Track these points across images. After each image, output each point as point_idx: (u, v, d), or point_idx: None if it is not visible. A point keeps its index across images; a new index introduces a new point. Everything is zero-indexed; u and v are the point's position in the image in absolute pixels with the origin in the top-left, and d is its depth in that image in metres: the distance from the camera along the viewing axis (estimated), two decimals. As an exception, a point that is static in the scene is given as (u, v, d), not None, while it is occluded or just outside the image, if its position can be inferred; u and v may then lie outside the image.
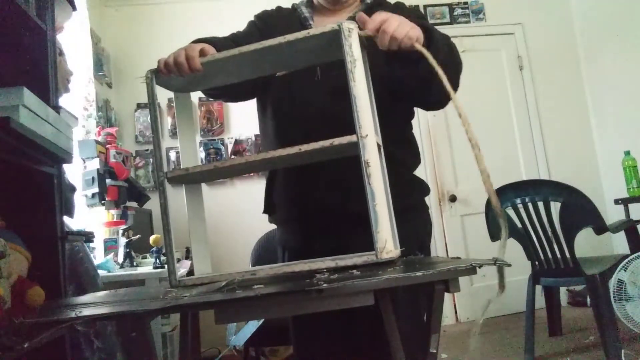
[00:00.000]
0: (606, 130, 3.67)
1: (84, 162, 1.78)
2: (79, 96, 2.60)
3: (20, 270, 0.85)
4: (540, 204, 2.28)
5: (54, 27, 1.10)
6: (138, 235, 2.21)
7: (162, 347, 2.17)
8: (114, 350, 1.42)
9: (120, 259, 2.18)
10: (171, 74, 0.95)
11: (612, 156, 3.41)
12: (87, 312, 0.67)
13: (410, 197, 1.17)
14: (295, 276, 0.84)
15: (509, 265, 0.69)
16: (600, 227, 2.19)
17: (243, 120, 3.39)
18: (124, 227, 2.09)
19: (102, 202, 1.76)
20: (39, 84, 0.99)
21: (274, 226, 1.31)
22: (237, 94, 1.26)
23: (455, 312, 3.45)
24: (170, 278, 0.92)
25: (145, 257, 2.35)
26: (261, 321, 1.99)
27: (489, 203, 2.37)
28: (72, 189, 1.49)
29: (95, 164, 1.74)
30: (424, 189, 1.24)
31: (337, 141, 0.85)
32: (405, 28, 0.90)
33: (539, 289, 2.52)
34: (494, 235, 2.37)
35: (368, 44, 0.93)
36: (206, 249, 1.02)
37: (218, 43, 1.07)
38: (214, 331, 2.69)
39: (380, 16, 0.91)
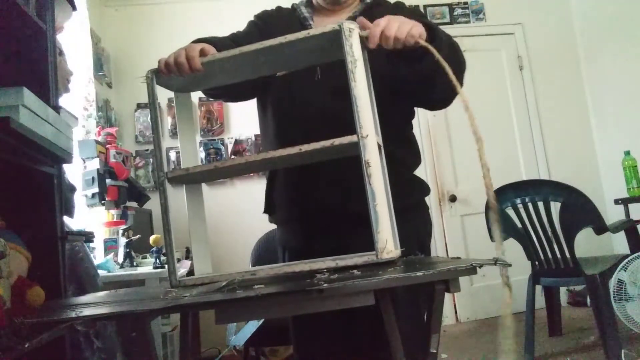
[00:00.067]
0: (606, 130, 3.67)
1: (84, 162, 1.78)
2: (79, 96, 2.60)
3: (20, 270, 0.85)
4: (540, 204, 2.28)
5: (54, 27, 1.09)
6: (138, 235, 2.21)
7: (162, 347, 2.17)
8: (114, 350, 1.42)
9: (120, 259, 2.18)
10: (171, 74, 0.95)
11: (612, 156, 3.41)
12: (87, 312, 0.67)
13: (410, 197, 1.17)
14: (295, 276, 0.84)
15: (510, 265, 0.69)
16: (600, 227, 2.19)
17: (243, 120, 3.39)
18: (124, 227, 2.09)
19: (102, 202, 1.76)
20: (39, 84, 0.99)
21: (274, 226, 1.31)
22: (237, 94, 1.26)
23: (455, 312, 3.44)
24: (171, 278, 0.92)
25: (145, 257, 2.35)
26: (261, 321, 1.99)
27: (489, 203, 2.37)
28: (72, 189, 1.49)
29: (95, 164, 1.74)
30: (424, 188, 1.24)
31: (337, 141, 0.85)
32: (406, 27, 0.90)
33: (539, 289, 2.52)
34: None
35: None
36: (206, 249, 1.02)
37: (218, 43, 1.07)
38: (214, 331, 2.69)
39: (379, 25, 0.91)
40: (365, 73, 0.87)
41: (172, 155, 3.30)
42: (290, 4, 1.31)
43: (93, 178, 1.71)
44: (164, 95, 0.97)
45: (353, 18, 1.18)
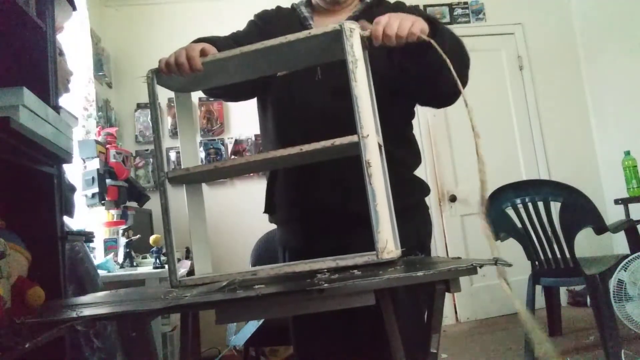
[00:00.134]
0: (606, 130, 3.67)
1: (84, 162, 1.78)
2: (79, 96, 2.60)
3: (20, 270, 0.85)
4: (540, 204, 2.28)
5: (54, 27, 1.09)
6: (138, 235, 2.21)
7: (162, 347, 2.17)
8: (114, 350, 1.42)
9: (120, 259, 2.18)
10: (172, 73, 0.95)
11: (612, 156, 3.41)
12: (88, 312, 0.67)
13: (410, 197, 1.17)
14: (296, 276, 0.84)
15: (510, 265, 0.69)
16: (600, 227, 2.19)
17: (243, 120, 3.39)
18: (124, 227, 2.09)
19: (102, 202, 1.76)
20: (39, 84, 0.99)
21: (274, 226, 1.31)
22: (237, 93, 1.26)
23: (455, 312, 3.45)
24: (171, 278, 0.92)
25: (145, 257, 2.35)
26: (261, 321, 1.99)
27: (488, 203, 2.38)
28: (72, 189, 1.49)
29: (95, 164, 1.74)
30: (424, 188, 1.24)
31: (338, 141, 0.85)
32: (407, 24, 0.90)
33: (539, 289, 2.52)
34: (495, 235, 2.37)
35: (369, 44, 0.93)
36: (207, 249, 1.02)
37: (219, 43, 1.06)
38: (214, 331, 2.68)
39: (380, 22, 0.90)
40: (366, 73, 0.87)
41: (172, 155, 3.30)
42: (290, 3, 1.31)
43: (93, 178, 1.71)
44: (164, 95, 0.97)
45: (353, 18, 1.18)
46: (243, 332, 2.15)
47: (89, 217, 2.06)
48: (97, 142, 1.80)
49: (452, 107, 1.16)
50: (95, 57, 2.88)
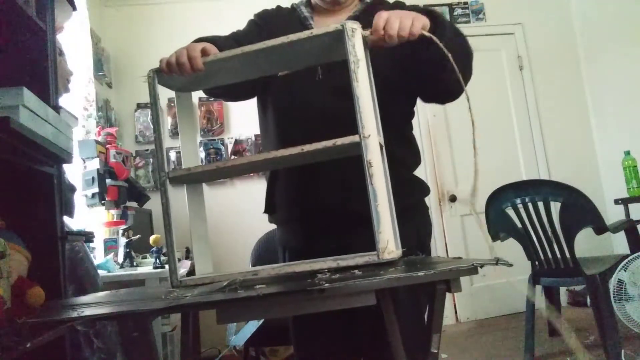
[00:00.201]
0: (606, 130, 3.67)
1: (84, 162, 1.78)
2: (79, 96, 2.60)
3: (20, 270, 0.85)
4: (540, 204, 2.28)
5: (54, 27, 1.09)
6: (138, 235, 2.21)
7: (162, 347, 2.17)
8: (114, 350, 1.42)
9: (120, 259, 2.18)
10: (173, 73, 0.95)
11: (612, 156, 3.41)
12: (88, 312, 0.67)
13: (410, 197, 1.17)
14: (296, 276, 0.84)
15: (511, 265, 0.69)
16: (600, 227, 2.19)
17: (243, 120, 3.39)
18: (124, 227, 2.09)
19: (102, 202, 1.76)
20: (39, 84, 0.99)
21: (274, 226, 1.31)
22: (237, 93, 1.26)
23: (455, 312, 3.45)
24: (172, 278, 0.92)
25: (145, 257, 2.35)
26: (261, 321, 1.99)
27: (488, 203, 2.38)
28: (72, 189, 1.49)
29: (95, 164, 1.74)
30: (424, 189, 1.24)
31: (340, 141, 0.85)
32: (408, 22, 0.90)
33: (539, 289, 2.52)
34: (495, 235, 2.37)
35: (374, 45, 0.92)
36: (207, 249, 1.02)
37: (220, 42, 1.06)
38: (214, 331, 2.69)
39: (381, 17, 0.90)
40: (367, 73, 0.87)
41: (172, 155, 3.30)
42: (290, 3, 1.31)
43: (93, 178, 1.71)
44: (164, 95, 0.97)
45: (353, 18, 1.18)
46: (243, 332, 2.14)
47: (89, 217, 2.06)
48: (97, 142, 1.80)
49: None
50: (95, 57, 2.88)
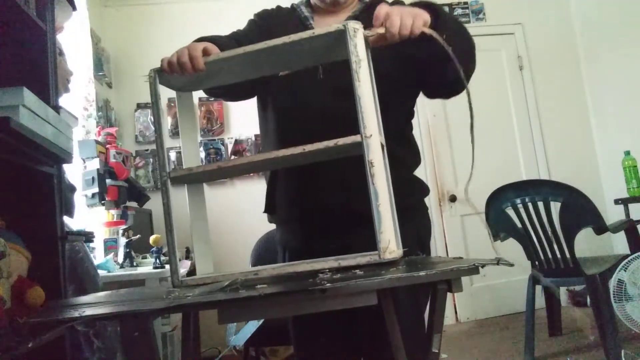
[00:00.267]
0: (606, 130, 3.67)
1: (84, 162, 1.78)
2: (79, 96, 2.59)
3: (20, 270, 0.85)
4: (540, 204, 2.28)
5: (54, 27, 1.09)
6: (138, 235, 2.21)
7: (162, 347, 2.17)
8: (114, 350, 1.42)
9: (120, 259, 2.18)
10: (174, 73, 0.95)
11: (612, 156, 3.41)
12: (89, 312, 0.67)
13: (411, 197, 1.17)
14: (297, 276, 0.84)
15: (512, 265, 0.69)
16: (600, 227, 2.19)
17: (243, 120, 3.39)
18: (124, 227, 2.09)
19: (102, 202, 1.76)
20: (39, 84, 0.99)
21: (274, 226, 1.31)
22: (238, 93, 1.26)
23: (455, 312, 3.45)
24: (173, 278, 0.91)
25: (145, 257, 2.34)
26: (261, 321, 1.99)
27: (488, 203, 2.38)
28: (72, 189, 1.48)
29: (95, 164, 1.74)
30: (424, 189, 1.24)
31: (341, 141, 0.85)
32: (409, 20, 0.90)
33: (539, 289, 2.52)
34: (494, 235, 2.37)
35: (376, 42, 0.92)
36: (208, 249, 1.02)
37: (220, 42, 1.06)
38: (214, 331, 2.69)
39: (382, 11, 0.90)
40: (369, 73, 0.87)
41: (172, 155, 3.30)
42: (289, 3, 1.31)
43: (93, 178, 1.71)
44: (164, 95, 0.97)
45: (353, 17, 1.18)
46: (243, 332, 2.14)
47: (89, 217, 2.06)
48: (97, 142, 1.80)
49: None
50: (95, 57, 2.88)
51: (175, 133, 3.28)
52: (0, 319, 0.67)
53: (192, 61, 0.92)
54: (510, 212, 2.35)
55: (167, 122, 3.36)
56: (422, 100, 1.26)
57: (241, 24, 1.30)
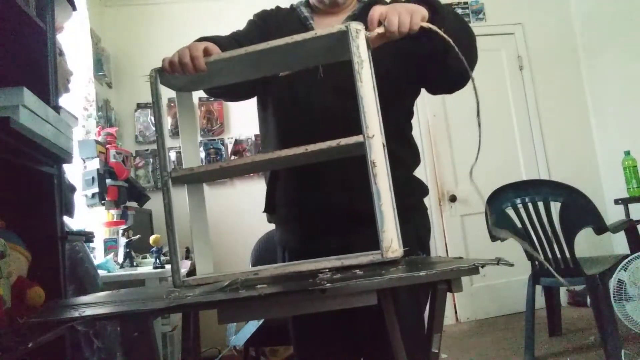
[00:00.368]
0: (606, 130, 3.67)
1: (84, 162, 1.78)
2: (79, 96, 2.59)
3: (20, 270, 0.85)
4: (540, 204, 2.28)
5: (54, 27, 1.09)
6: (138, 235, 2.21)
7: (162, 347, 2.17)
8: (114, 350, 1.42)
9: (120, 259, 2.18)
10: (175, 73, 0.95)
11: (612, 156, 3.41)
12: (90, 312, 0.67)
13: (411, 197, 1.16)
14: (297, 276, 0.84)
15: (512, 265, 0.69)
16: (600, 227, 2.19)
17: (243, 120, 3.39)
18: (124, 227, 2.09)
19: (102, 202, 1.76)
20: (39, 84, 0.99)
21: (274, 226, 1.31)
22: (238, 93, 1.26)
23: (455, 312, 3.45)
24: (174, 278, 0.91)
25: (145, 257, 2.34)
26: (261, 321, 1.99)
27: (488, 203, 2.37)
28: (72, 189, 1.49)
29: (95, 164, 1.74)
30: (423, 189, 1.24)
31: (344, 141, 0.85)
32: (407, 17, 0.90)
33: (539, 289, 2.52)
34: (494, 235, 2.37)
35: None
36: (208, 249, 1.02)
37: (221, 42, 1.06)
38: (214, 331, 2.68)
39: (375, 13, 0.90)
40: (370, 73, 0.87)
41: (172, 155, 3.30)
42: (289, 3, 1.31)
43: (93, 178, 1.71)
44: (164, 95, 0.97)
45: (352, 17, 1.18)
46: (243, 332, 2.14)
47: (89, 217, 2.06)
48: (97, 142, 1.80)
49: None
50: (95, 57, 2.88)
51: (175, 133, 3.28)
52: (0, 319, 0.67)
53: (194, 61, 0.92)
54: (510, 212, 2.35)
55: (167, 122, 3.36)
56: (422, 100, 1.27)
57: (241, 24, 1.30)
